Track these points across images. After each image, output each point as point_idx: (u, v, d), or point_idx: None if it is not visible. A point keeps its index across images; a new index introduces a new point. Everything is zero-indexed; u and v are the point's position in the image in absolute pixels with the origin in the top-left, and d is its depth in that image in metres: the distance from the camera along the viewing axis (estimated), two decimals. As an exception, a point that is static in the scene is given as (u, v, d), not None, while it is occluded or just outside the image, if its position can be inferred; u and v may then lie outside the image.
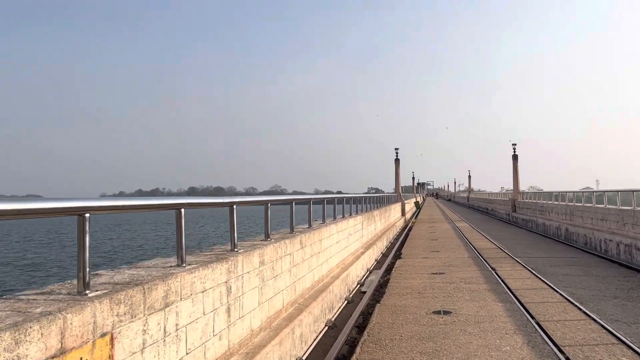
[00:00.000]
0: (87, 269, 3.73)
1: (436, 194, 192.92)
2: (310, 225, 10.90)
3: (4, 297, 3.63)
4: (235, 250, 6.54)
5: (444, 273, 14.73)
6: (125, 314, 3.80)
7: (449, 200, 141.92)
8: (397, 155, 43.80)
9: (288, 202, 9.67)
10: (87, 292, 3.70)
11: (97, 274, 4.67)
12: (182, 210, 5.25)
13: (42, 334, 2.97)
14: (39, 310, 3.20)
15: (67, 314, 3.21)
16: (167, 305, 4.41)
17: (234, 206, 6.68)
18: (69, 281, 4.17)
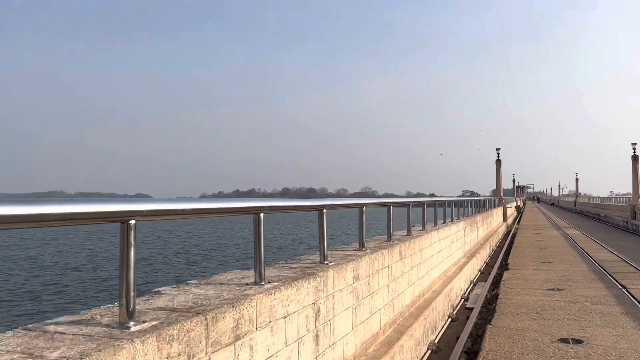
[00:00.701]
0: (132, 294, 2.84)
1: (537, 198, 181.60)
2: (409, 232, 9.65)
3: (29, 326, 2.83)
4: (325, 262, 5.50)
5: (563, 289, 12.78)
6: (179, 354, 2.86)
7: (552, 204, 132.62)
8: (498, 156, 40.92)
9: (385, 206, 8.51)
10: (131, 324, 2.80)
11: (157, 292, 3.83)
12: (262, 215, 4.30)
13: (49, 394, 2.08)
14: (55, 354, 2.33)
15: (93, 361, 2.30)
16: (237, 337, 3.44)
17: (324, 210, 5.65)
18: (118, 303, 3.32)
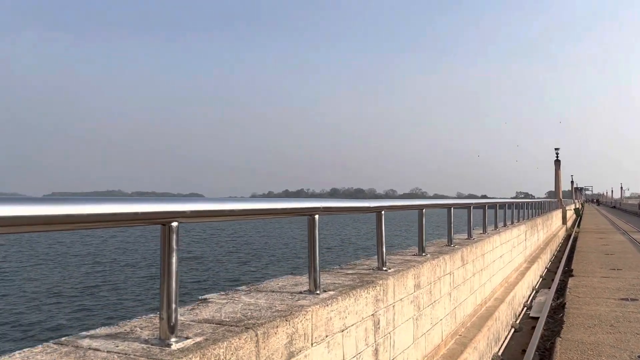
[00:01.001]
0: (174, 305, 2.49)
1: (597, 200, 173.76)
2: (470, 236, 9.04)
3: (62, 339, 2.54)
4: (384, 269, 5.05)
5: (637, 299, 11.75)
6: (226, 376, 2.49)
7: (614, 207, 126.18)
8: (557, 156, 39.05)
9: (445, 207, 7.95)
10: (172, 340, 2.46)
11: (204, 301, 3.50)
12: (316, 216, 3.90)
13: None
14: (84, 378, 2.01)
15: (126, 387, 1.96)
16: (291, 355, 3.05)
17: (382, 212, 5.20)
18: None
